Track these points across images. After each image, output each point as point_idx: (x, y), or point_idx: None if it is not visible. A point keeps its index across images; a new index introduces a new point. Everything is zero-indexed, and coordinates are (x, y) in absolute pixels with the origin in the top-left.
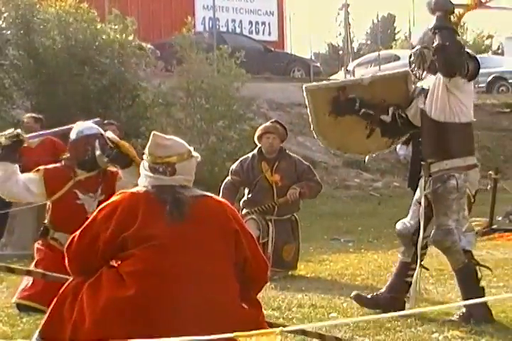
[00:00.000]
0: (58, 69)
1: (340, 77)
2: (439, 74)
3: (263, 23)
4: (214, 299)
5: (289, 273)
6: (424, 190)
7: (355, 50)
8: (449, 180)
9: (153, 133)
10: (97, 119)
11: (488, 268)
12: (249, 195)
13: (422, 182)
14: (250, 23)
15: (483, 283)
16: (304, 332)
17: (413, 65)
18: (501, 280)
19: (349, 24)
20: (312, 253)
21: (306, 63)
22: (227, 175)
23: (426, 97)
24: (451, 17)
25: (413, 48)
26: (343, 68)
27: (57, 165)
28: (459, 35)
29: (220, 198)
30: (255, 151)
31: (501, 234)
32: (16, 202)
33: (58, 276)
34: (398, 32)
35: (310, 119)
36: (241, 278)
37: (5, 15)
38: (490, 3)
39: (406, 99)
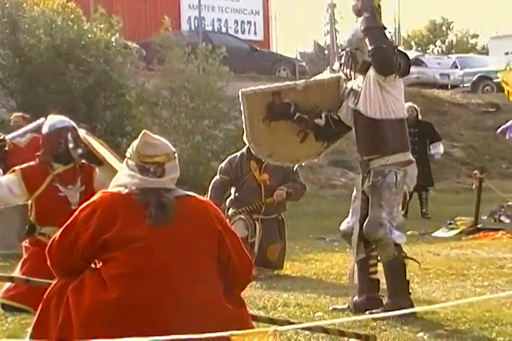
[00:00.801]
0: (43, 68)
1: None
2: (369, 74)
3: (249, 23)
4: (198, 299)
5: (275, 272)
6: (362, 185)
7: (339, 45)
8: (389, 174)
9: (143, 131)
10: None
11: (417, 261)
12: (237, 194)
13: (359, 178)
14: (236, 22)
15: (468, 282)
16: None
17: (344, 66)
18: (486, 279)
19: (336, 22)
20: (298, 253)
21: (291, 62)
22: (213, 175)
23: (356, 97)
24: (377, 15)
25: (342, 50)
26: (328, 67)
27: (32, 163)
28: (386, 29)
29: (203, 198)
30: (244, 150)
31: (486, 233)
32: None
33: (42, 281)
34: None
35: (243, 126)
36: (225, 277)
37: None
38: None
39: (338, 102)
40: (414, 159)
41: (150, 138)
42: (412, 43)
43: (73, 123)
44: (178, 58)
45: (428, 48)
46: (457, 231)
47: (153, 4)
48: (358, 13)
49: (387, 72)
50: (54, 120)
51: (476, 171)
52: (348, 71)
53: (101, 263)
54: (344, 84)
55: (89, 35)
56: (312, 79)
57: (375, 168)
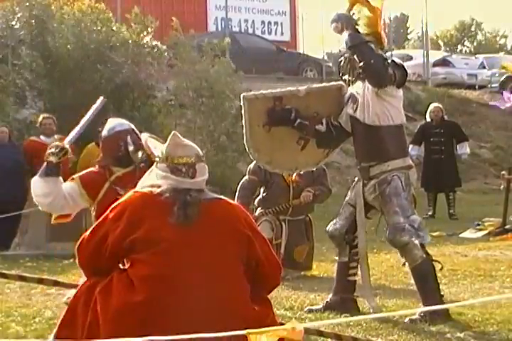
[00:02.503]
0: (71, 69)
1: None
2: (367, 84)
3: (275, 23)
4: (224, 300)
5: (302, 273)
6: (363, 193)
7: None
8: (393, 180)
9: (173, 133)
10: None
11: (440, 263)
12: (265, 194)
13: (358, 185)
14: (263, 23)
15: (496, 284)
16: (319, 333)
17: (343, 72)
18: None
19: None
20: (325, 253)
21: (318, 63)
22: (239, 176)
23: (354, 103)
24: (359, 29)
25: (341, 56)
26: None
27: (90, 169)
28: (380, 41)
29: (232, 202)
30: None
31: None
32: (29, 203)
33: (70, 284)
34: (411, 32)
35: (244, 131)
36: (253, 280)
37: (18, 15)
38: None
39: (338, 109)
40: (412, 164)
41: (179, 139)
42: (441, 43)
43: (133, 126)
44: (191, 59)
45: (456, 48)
46: (485, 232)
47: (180, 6)
48: (340, 32)
49: (380, 86)
50: (113, 123)
51: (504, 172)
52: (346, 77)
53: (129, 264)
54: (345, 91)
55: (118, 36)
56: (315, 85)
57: (377, 174)
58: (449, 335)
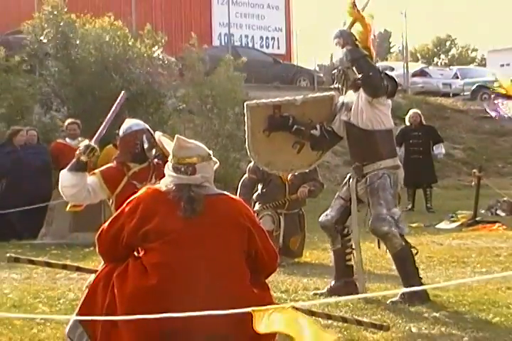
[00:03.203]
0: (92, 78)
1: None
2: (361, 94)
3: (273, 38)
4: (227, 285)
5: (296, 260)
6: (356, 189)
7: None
8: (383, 177)
9: (176, 136)
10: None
11: (416, 249)
12: (264, 190)
13: (352, 182)
14: (261, 38)
15: (468, 269)
16: (312, 313)
17: (337, 82)
18: (484, 266)
19: None
20: (316, 242)
21: (310, 74)
22: (241, 174)
23: (348, 110)
24: (358, 44)
25: (335, 68)
26: None
27: (109, 165)
28: (369, 55)
29: (235, 197)
30: None
31: (484, 225)
32: (54, 197)
33: (90, 269)
34: (393, 46)
35: (246, 136)
36: (253, 267)
37: (46, 31)
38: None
39: (330, 116)
40: (400, 164)
41: (183, 142)
42: (419, 56)
43: (147, 126)
44: (201, 70)
45: (433, 61)
46: (458, 223)
47: (188, 22)
48: (342, 47)
49: (375, 96)
50: (130, 123)
51: (475, 170)
52: (339, 86)
53: (143, 252)
54: (337, 100)
55: (134, 50)
56: (310, 95)
57: (370, 172)
58: (426, 315)
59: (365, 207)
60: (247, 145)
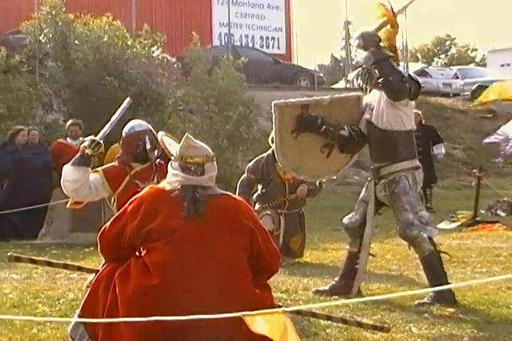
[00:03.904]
0: (91, 79)
1: (341, 86)
2: (383, 95)
3: (273, 38)
4: (229, 285)
5: (296, 260)
6: (375, 192)
7: (355, 62)
8: (401, 180)
9: (186, 135)
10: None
11: (447, 254)
12: (263, 190)
13: (371, 184)
14: (261, 38)
15: (468, 269)
16: (313, 314)
17: (360, 81)
18: (484, 266)
19: (351, 38)
20: (316, 243)
21: (310, 74)
22: (240, 174)
23: (371, 109)
24: (381, 45)
25: (359, 66)
26: (343, 78)
27: (112, 163)
28: (394, 57)
29: (237, 197)
30: (270, 152)
31: (484, 225)
32: (54, 197)
33: (91, 268)
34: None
35: (273, 137)
36: (255, 267)
37: (45, 31)
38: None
39: (358, 117)
40: (420, 165)
41: (192, 141)
42: (419, 56)
43: (150, 127)
44: (205, 69)
45: (433, 61)
46: (458, 223)
47: (188, 22)
48: (364, 49)
49: (396, 99)
50: (133, 124)
51: (475, 170)
52: (364, 85)
53: (145, 251)
54: (363, 100)
55: (132, 50)
56: (336, 95)
57: (386, 175)
58: (426, 315)
59: (387, 210)
60: (274, 147)
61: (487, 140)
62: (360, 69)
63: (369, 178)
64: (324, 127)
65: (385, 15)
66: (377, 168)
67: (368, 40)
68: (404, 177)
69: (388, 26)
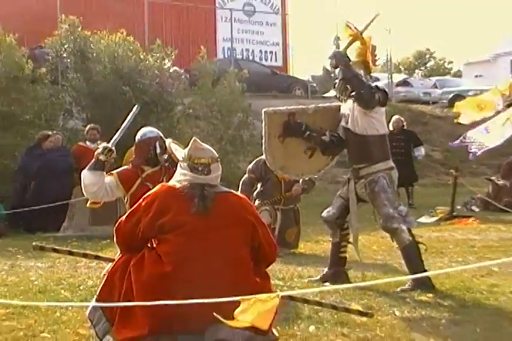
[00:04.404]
0: (108, 89)
1: (331, 94)
2: (356, 104)
3: (271, 52)
4: (233, 273)
5: (292, 250)
6: (356, 190)
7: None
8: (380, 179)
9: (193, 138)
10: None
11: (424, 244)
12: (262, 188)
13: (351, 183)
14: (260, 51)
15: (446, 259)
16: (305, 300)
17: (338, 92)
18: (460, 256)
19: None
20: (310, 235)
21: (304, 84)
22: (242, 174)
23: (347, 117)
24: (356, 60)
25: (336, 78)
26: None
27: (125, 167)
28: (367, 70)
29: (240, 195)
30: None
31: (460, 219)
32: (75, 194)
33: (108, 258)
34: (378, 59)
35: (263, 141)
36: (255, 257)
37: (65, 46)
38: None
39: (338, 124)
40: (394, 165)
41: (199, 144)
42: (402, 68)
43: (160, 133)
44: (210, 80)
45: (414, 72)
46: (437, 218)
47: (195, 37)
48: (335, 67)
49: (368, 108)
50: (145, 130)
51: (452, 170)
52: (340, 96)
53: (157, 243)
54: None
55: (145, 63)
56: (320, 105)
57: (365, 175)
58: (408, 300)
59: (365, 204)
60: (263, 149)
61: (453, 143)
62: (336, 81)
63: (348, 177)
64: (308, 133)
65: (351, 34)
66: (357, 169)
67: (340, 59)
68: (382, 177)
69: (359, 43)
